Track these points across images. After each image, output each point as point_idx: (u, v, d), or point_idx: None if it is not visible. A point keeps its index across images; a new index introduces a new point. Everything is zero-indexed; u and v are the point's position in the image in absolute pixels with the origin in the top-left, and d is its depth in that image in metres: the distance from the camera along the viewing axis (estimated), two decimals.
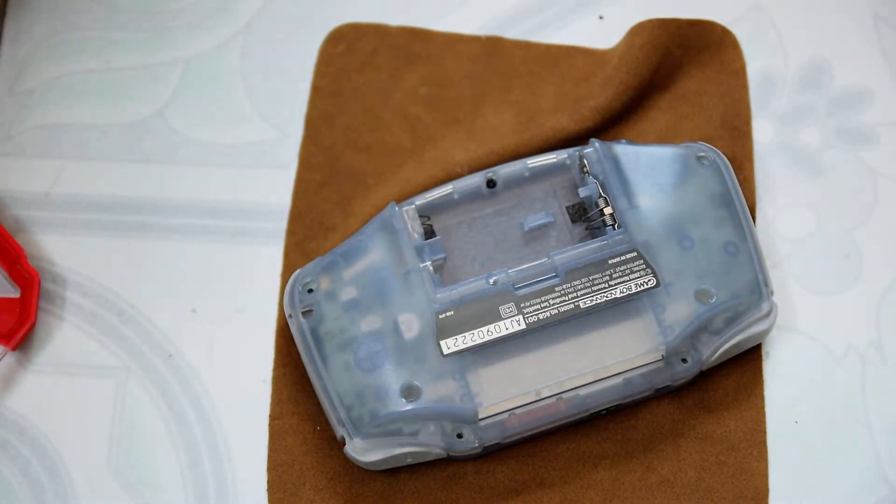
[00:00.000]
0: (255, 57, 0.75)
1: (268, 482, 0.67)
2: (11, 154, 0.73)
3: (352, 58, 0.75)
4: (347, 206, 0.72)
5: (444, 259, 0.67)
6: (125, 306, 0.70)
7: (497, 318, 0.65)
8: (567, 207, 0.69)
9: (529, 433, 0.65)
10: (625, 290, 0.65)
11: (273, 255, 0.71)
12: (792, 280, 0.70)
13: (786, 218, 0.71)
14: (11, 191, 0.72)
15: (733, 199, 0.68)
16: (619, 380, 0.65)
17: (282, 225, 0.71)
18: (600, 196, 0.67)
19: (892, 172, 0.72)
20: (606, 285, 0.65)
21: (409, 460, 0.65)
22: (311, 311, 0.66)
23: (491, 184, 0.69)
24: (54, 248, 0.71)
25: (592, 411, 0.65)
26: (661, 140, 0.72)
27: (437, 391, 0.64)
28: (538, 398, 0.64)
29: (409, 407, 0.64)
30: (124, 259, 0.71)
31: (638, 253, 0.66)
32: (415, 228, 0.66)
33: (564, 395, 0.64)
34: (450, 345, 0.64)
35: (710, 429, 0.67)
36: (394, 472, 0.67)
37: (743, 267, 0.66)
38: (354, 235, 0.67)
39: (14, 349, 0.68)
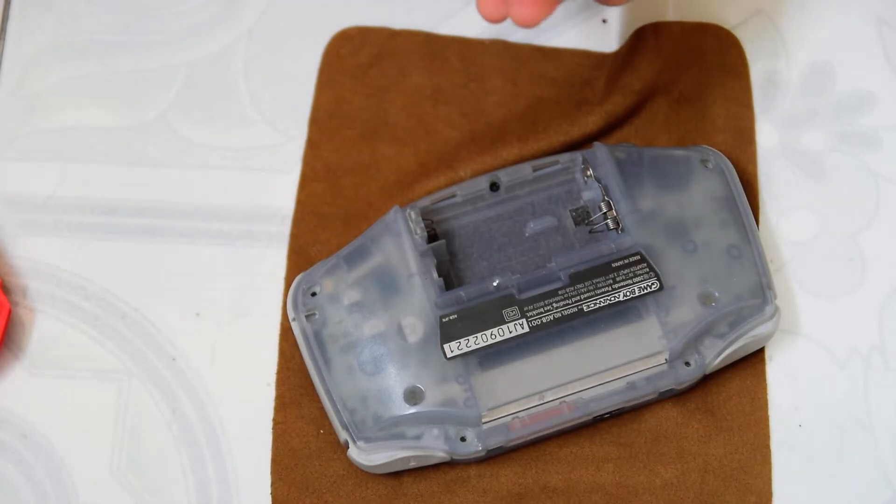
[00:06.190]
0: (259, 60, 0.75)
1: (271, 485, 0.67)
2: (15, 157, 0.73)
3: (355, 61, 0.75)
4: (351, 209, 0.72)
5: (448, 262, 0.67)
6: (128, 310, 0.70)
7: (501, 321, 0.65)
8: (570, 211, 0.69)
9: (533, 437, 0.65)
10: (628, 293, 0.65)
11: (276, 258, 0.71)
12: (795, 283, 0.70)
13: (789, 221, 0.71)
14: (15, 194, 0.72)
15: (736, 202, 0.68)
16: (622, 383, 0.65)
17: (285, 228, 0.71)
18: (603, 199, 0.67)
19: (895, 176, 0.72)
20: (610, 289, 0.65)
21: (413, 464, 0.65)
22: (314, 314, 0.66)
23: (494, 187, 0.69)
24: (57, 251, 0.71)
25: (596, 415, 0.65)
26: (665, 143, 0.72)
27: (441, 395, 0.64)
28: (542, 402, 0.64)
29: (412, 410, 0.64)
30: (127, 262, 0.71)
31: (641, 256, 0.66)
32: (418, 232, 0.66)
33: (568, 399, 0.64)
34: (453, 348, 0.64)
35: (714, 432, 0.67)
36: (397, 476, 0.66)
37: (746, 270, 0.66)
38: (358, 239, 0.67)
39: None
